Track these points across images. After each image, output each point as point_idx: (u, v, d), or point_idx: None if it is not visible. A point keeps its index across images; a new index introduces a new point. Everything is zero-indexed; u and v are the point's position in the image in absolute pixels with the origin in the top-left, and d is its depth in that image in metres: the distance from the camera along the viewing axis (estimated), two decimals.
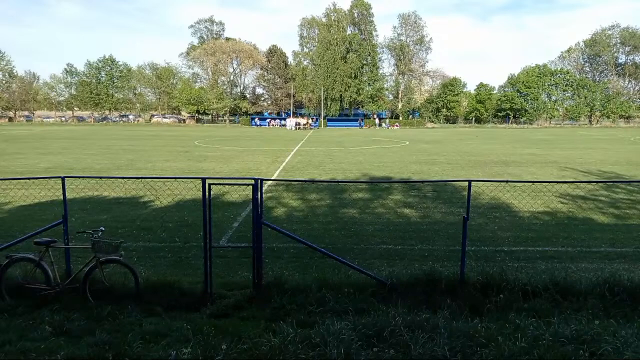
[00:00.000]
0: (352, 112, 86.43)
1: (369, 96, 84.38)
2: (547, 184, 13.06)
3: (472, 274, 5.96)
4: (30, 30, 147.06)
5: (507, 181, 6.22)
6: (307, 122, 70.56)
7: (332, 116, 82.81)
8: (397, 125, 77.46)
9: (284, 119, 79.11)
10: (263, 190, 6.04)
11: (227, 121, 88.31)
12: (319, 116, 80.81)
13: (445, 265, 6.84)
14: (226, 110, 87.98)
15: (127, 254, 6.74)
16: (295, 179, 14.70)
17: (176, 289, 5.71)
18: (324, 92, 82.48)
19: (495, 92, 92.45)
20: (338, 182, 6.30)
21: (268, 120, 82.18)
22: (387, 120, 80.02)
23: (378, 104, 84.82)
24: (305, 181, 12.59)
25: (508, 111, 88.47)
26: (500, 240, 8.38)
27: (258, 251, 5.80)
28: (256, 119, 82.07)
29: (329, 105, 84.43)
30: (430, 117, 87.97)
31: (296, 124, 68.67)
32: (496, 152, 26.93)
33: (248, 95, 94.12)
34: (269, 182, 13.78)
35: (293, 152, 26.32)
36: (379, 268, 6.71)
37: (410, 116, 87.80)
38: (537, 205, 10.76)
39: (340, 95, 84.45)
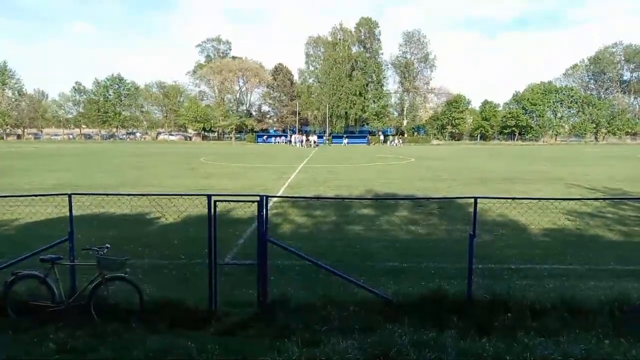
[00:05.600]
0: (358, 129, 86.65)
1: (374, 113, 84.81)
2: (553, 200, 12.90)
3: (480, 292, 5.89)
4: (40, 49, 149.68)
5: (513, 198, 6.20)
6: (309, 139, 71.53)
7: (337, 133, 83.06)
8: (399, 142, 78.33)
9: (287, 135, 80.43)
10: (268, 207, 6.00)
11: (233, 138, 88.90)
12: (325, 133, 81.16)
13: (452, 283, 6.75)
14: (232, 128, 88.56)
15: (133, 271, 6.72)
16: (300, 195, 14.71)
17: (181, 307, 5.65)
18: (329, 109, 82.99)
19: (500, 109, 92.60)
20: (343, 198, 6.34)
21: (274, 137, 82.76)
22: (396, 137, 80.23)
23: (383, 121, 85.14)
24: (310, 198, 12.59)
25: (513, 128, 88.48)
26: (507, 258, 8.30)
27: (263, 268, 5.75)
28: (264, 137, 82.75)
29: (334, 122, 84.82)
30: (435, 134, 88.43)
31: (301, 141, 69.94)
32: (502, 169, 26.89)
33: (254, 113, 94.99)
34: (275, 199, 13.77)
35: (298, 169, 26.45)
36: (385, 286, 6.65)
37: (416, 133, 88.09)
38: (544, 223, 10.65)
39: (346, 113, 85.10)
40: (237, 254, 8.41)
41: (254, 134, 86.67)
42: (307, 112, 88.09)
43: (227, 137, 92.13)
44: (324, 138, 79.16)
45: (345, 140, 76.88)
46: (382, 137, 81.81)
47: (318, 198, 6.33)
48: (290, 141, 76.65)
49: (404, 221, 11.32)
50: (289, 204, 13.28)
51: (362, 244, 9.15)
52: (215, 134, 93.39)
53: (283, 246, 6.04)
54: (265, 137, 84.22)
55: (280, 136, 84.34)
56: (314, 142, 71.40)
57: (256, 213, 5.73)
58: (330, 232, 10.18)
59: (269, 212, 6.04)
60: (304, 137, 71.99)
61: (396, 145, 75.90)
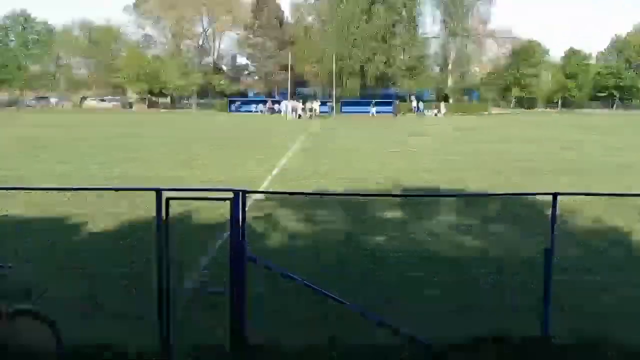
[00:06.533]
0: (380, 93, 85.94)
1: (404, 68, 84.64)
2: None
3: (560, 331, 5.85)
4: None
5: (611, 195, 6.14)
6: (307, 107, 72.01)
7: (349, 98, 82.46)
8: (441, 111, 78.93)
9: (275, 102, 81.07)
10: (247, 208, 5.99)
11: (195, 105, 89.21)
12: (330, 98, 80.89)
13: (519, 319, 6.71)
14: (193, 90, 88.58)
15: (46, 302, 6.70)
16: (294, 191, 14.60)
17: (118, 354, 5.62)
18: (336, 62, 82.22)
19: (592, 62, 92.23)
20: (358, 195, 6.26)
21: (255, 104, 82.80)
22: (441, 105, 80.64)
23: (417, 80, 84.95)
24: (309, 194, 12.56)
25: (613, 90, 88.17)
26: (601, 284, 8.23)
27: (239, 298, 5.77)
28: (238, 104, 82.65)
29: (344, 82, 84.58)
30: (495, 100, 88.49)
31: (295, 110, 70.26)
32: (595, 153, 26.75)
33: (225, 68, 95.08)
34: (256, 196, 13.72)
35: (291, 151, 26.39)
36: (419, 324, 6.58)
37: (466, 97, 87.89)
38: None
39: (362, 67, 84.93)
40: (201, 277, 8.36)
41: (226, 99, 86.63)
42: (303, 67, 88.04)
43: (186, 105, 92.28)
44: (330, 105, 79.05)
45: (374, 109, 76.65)
46: (415, 104, 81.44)
47: (321, 194, 6.34)
48: (279, 110, 76.56)
49: (448, 229, 11.29)
50: (277, 203, 13.19)
51: (385, 263, 9.13)
52: (168, 99, 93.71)
53: (269, 265, 6.01)
54: (238, 104, 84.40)
55: (263, 102, 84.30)
56: (315, 111, 71.54)
57: (229, 217, 5.72)
58: (339, 245, 10.15)
59: (247, 214, 5.98)
60: (300, 105, 72.01)
61: (436, 115, 75.78)
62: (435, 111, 78.05)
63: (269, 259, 6.87)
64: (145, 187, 6.84)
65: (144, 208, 9.99)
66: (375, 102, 79.42)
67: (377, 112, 76.39)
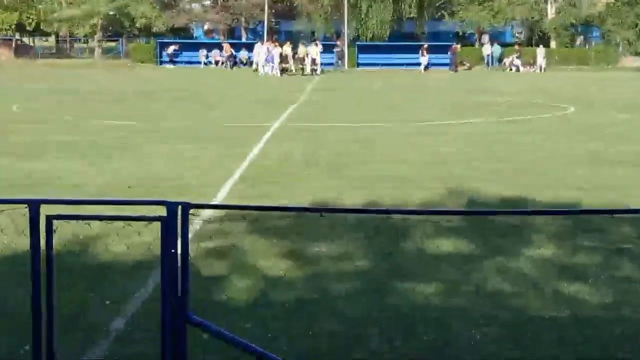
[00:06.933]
0: (425, 31, 60.18)
1: None
2: None
3: None
4: None
5: None
6: (298, 55, 48.23)
7: (371, 41, 56.53)
8: (532, 64, 52.17)
9: (247, 46, 54.61)
10: (191, 234, 5.23)
11: (99, 51, 60.05)
12: (339, 41, 54.92)
13: None
14: (95, 26, 58.93)
15: None
16: (272, 205, 10.61)
17: None
18: None
19: None
20: (387, 212, 5.41)
21: (205, 51, 54.93)
22: (540, 51, 52.57)
23: (490, 11, 57.20)
24: (300, 209, 8.95)
25: None
26: None
27: None
28: (174, 49, 54.79)
29: (362, 13, 56.25)
30: (630, 43, 55.17)
31: (273, 59, 45.88)
32: None
33: None
34: (208, 212, 10.38)
35: (269, 134, 19.52)
36: None
37: (580, 39, 60.92)
38: None
39: None
40: (112, 345, 6.42)
41: (153, 41, 58.16)
42: None
43: (83, 50, 64.51)
44: (338, 52, 52.61)
45: (425, 59, 51.11)
46: (489, 51, 55.19)
47: (320, 210, 5.06)
48: (248, 61, 52.25)
49: (549, 270, 8.27)
50: (244, 225, 9.75)
51: (440, 331, 6.41)
52: (52, 40, 66.90)
53: (224, 335, 4.89)
54: (175, 50, 54.78)
55: (219, 46, 55.47)
56: (313, 62, 48.01)
57: (159, 250, 4.56)
58: (357, 295, 7.32)
59: (192, 245, 5.00)
60: (288, 50, 48.31)
61: (530, 69, 51.96)
62: (539, 62, 52.05)
63: (225, 325, 5.43)
64: (18, 199, 4.98)
65: (12, 233, 7.47)
66: (411, 46, 54.64)
67: (414, 61, 51.71)
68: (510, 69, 52.16)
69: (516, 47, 54.74)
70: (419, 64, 51.24)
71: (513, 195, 12.56)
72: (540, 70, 51.64)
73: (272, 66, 45.57)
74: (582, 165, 15.27)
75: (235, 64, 53.44)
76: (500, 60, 54.37)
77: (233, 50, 54.28)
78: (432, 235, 9.29)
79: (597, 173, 14.52)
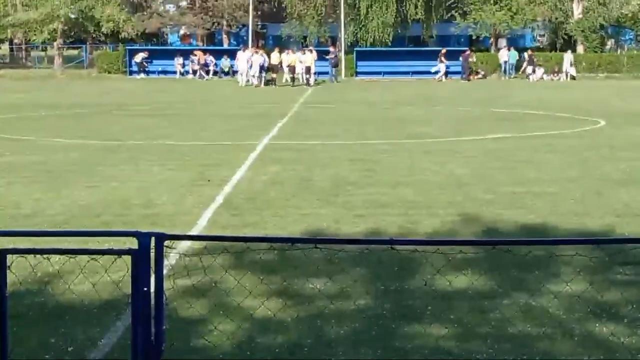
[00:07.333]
0: (433, 34, 57.41)
1: None
2: None
3: None
4: None
5: None
6: (292, 66, 45.01)
7: (372, 46, 53.72)
8: (557, 72, 49.15)
9: (228, 53, 50.97)
10: (166, 269, 5.53)
11: (59, 60, 55.71)
12: (334, 47, 50.77)
13: None
14: (55, 31, 55.48)
15: None
16: (263, 236, 10.19)
17: None
18: None
19: None
20: (391, 242, 4.42)
21: (182, 59, 51.08)
22: (567, 57, 49.45)
23: (509, 8, 53.02)
24: (291, 240, 7.93)
25: None
26: None
27: None
28: (143, 58, 50.56)
29: (361, 14, 53.15)
30: None
31: (262, 69, 43.75)
32: None
33: None
34: (186, 244, 10.09)
35: (255, 153, 18.85)
36: None
37: (611, 43, 58.17)
38: None
39: None
40: None
41: (122, 47, 54.55)
42: None
43: (42, 59, 60.14)
44: (333, 60, 48.16)
45: (443, 65, 48.10)
46: (506, 57, 50.94)
47: (315, 241, 4.66)
48: (230, 71, 49.23)
49: (579, 308, 7.76)
50: (227, 259, 9.27)
51: None
52: (6, 47, 62.88)
53: None
54: (141, 59, 50.66)
55: (191, 52, 52.29)
56: (307, 71, 44.89)
57: (129, 287, 4.45)
58: (359, 343, 6.98)
59: (166, 283, 4.81)
60: (275, 57, 45.33)
61: (555, 77, 49.07)
62: (567, 68, 49.11)
63: None
64: None
65: None
66: (417, 52, 52.54)
67: (423, 70, 49.22)
68: (528, 78, 49.03)
69: (529, 52, 51.80)
70: (426, 72, 48.31)
71: (536, 223, 12.20)
72: (567, 78, 48.58)
73: (258, 77, 43.24)
74: (616, 187, 14.68)
75: (214, 73, 50.41)
76: (518, 68, 50.75)
77: (208, 58, 50.41)
78: (443, 270, 8.41)
79: (633, 196, 13.93)
